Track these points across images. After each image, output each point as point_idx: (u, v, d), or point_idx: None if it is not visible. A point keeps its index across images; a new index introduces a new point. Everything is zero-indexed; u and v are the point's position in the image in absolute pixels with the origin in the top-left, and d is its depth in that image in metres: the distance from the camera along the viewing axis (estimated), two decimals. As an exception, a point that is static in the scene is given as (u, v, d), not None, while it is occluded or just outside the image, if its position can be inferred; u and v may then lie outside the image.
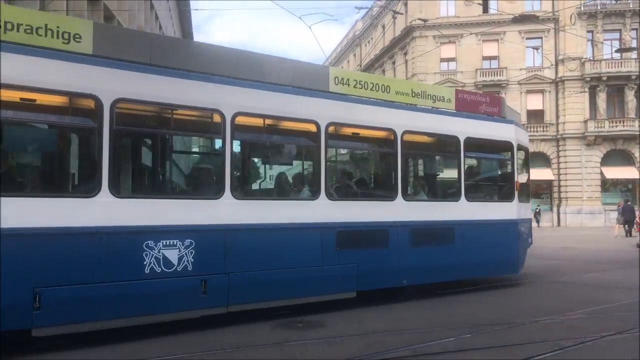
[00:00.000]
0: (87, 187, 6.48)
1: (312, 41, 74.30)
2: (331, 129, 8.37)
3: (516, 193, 10.47)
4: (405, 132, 9.14)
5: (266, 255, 7.58)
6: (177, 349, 6.21)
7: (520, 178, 10.98)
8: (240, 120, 7.48)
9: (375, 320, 7.73)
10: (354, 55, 58.36)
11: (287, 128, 8.35)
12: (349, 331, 7.05)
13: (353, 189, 9.34)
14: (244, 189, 8.35)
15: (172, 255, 6.82)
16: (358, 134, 9.04)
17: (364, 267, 8.50)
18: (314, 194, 8.16)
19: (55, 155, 7.05)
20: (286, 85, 8.16)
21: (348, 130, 8.88)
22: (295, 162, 9.56)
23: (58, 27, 6.44)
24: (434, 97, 10.03)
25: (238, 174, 8.33)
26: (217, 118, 7.31)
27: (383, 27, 47.96)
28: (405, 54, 43.98)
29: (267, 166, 9.72)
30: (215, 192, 7.31)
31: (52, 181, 6.99)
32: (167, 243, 6.79)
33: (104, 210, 6.33)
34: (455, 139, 9.87)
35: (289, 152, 9.24)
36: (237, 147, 8.24)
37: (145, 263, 6.62)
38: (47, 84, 6.12)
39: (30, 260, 5.89)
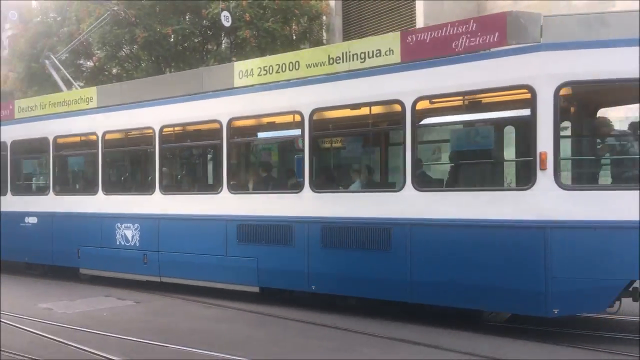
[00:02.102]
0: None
1: None
2: (234, 124, 8.67)
3: (542, 173, 6.13)
4: (316, 110, 7.82)
5: (183, 240, 9.10)
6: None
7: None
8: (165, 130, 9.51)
9: None
10: None
11: (196, 131, 9.70)
12: None
13: (254, 181, 9.23)
14: (167, 186, 9.86)
15: (129, 233, 9.79)
16: (261, 124, 8.97)
17: (265, 264, 8.26)
18: (215, 188, 9.05)
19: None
20: (198, 92, 9.17)
21: (251, 122, 8.92)
22: (205, 160, 10.53)
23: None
24: (363, 55, 7.55)
25: (165, 171, 9.89)
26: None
27: None
28: None
29: (186, 166, 10.82)
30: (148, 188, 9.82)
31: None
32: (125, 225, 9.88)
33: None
34: (397, 104, 7.20)
35: (192, 153, 10.44)
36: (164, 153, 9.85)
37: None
38: None
39: None
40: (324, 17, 17.60)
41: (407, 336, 6.58)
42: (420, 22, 14.91)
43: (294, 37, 17.14)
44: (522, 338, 6.52)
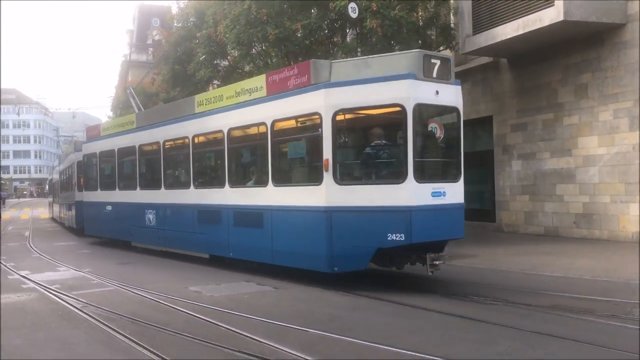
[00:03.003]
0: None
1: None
2: (195, 139, 12.62)
3: (326, 173, 8.83)
4: (230, 129, 11.28)
5: (175, 221, 13.41)
6: None
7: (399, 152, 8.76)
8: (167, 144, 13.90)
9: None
10: None
11: (179, 144, 13.52)
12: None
13: (206, 179, 12.77)
14: (169, 183, 13.99)
15: (152, 217, 14.36)
16: (208, 139, 12.43)
17: (210, 237, 11.98)
18: (187, 185, 12.86)
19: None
20: (179, 117, 13.32)
21: (203, 138, 12.54)
22: (180, 165, 13.84)
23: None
24: (250, 90, 10.88)
25: (167, 173, 14.08)
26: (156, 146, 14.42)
27: None
28: None
29: (176, 169, 14.23)
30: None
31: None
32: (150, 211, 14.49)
33: None
34: (263, 125, 10.24)
35: (178, 159, 13.92)
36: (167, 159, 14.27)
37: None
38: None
39: None
40: (452, 1, 17.04)
41: (553, 330, 6.25)
42: (560, 4, 13.61)
43: (421, 24, 16.83)
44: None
